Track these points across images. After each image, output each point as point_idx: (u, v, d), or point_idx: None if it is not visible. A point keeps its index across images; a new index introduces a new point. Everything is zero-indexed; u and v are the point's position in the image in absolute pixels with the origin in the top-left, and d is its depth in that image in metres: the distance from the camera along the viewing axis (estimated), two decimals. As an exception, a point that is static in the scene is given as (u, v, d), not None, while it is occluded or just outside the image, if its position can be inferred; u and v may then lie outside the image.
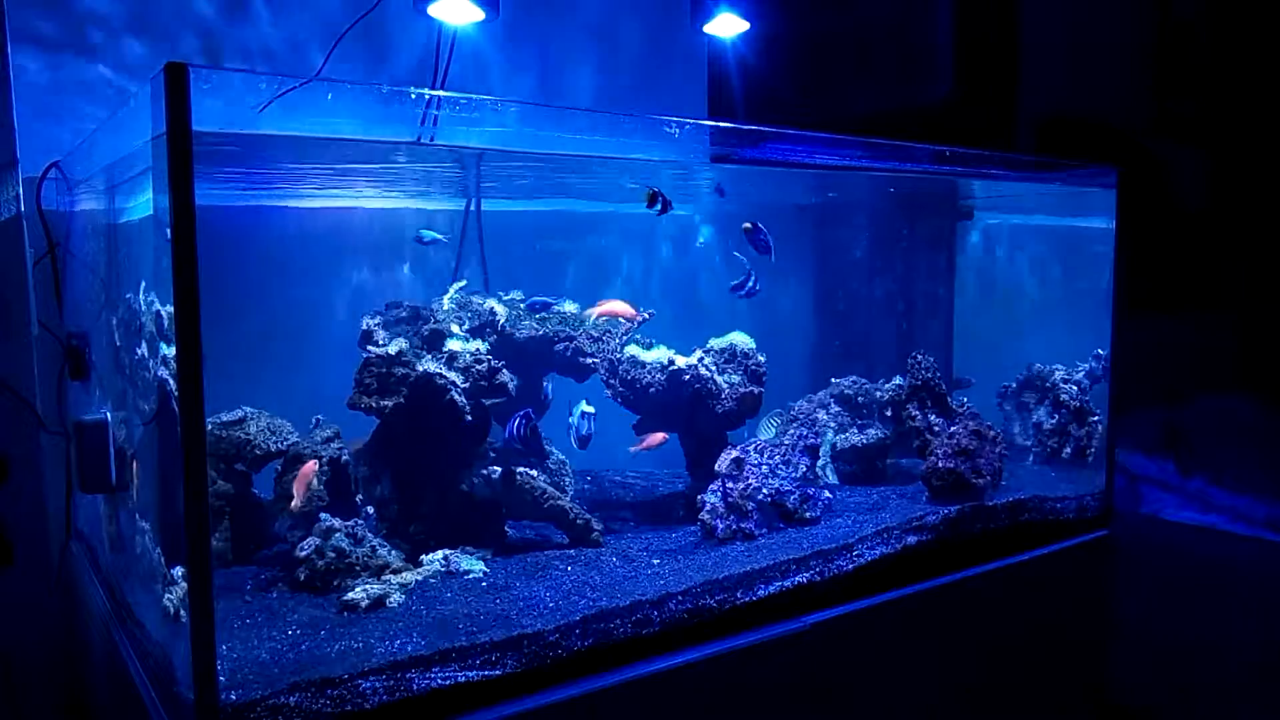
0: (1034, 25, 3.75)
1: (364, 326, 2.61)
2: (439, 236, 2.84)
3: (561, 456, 2.92)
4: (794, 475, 2.56)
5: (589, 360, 2.76)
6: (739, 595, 2.08)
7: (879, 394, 3.20)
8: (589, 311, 2.73)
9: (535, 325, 2.76)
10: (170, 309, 1.48)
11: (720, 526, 2.36)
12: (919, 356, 3.16)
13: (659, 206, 2.51)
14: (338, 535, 2.12)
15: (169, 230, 1.41)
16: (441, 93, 2.15)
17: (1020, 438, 3.45)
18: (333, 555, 2.09)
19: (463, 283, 2.77)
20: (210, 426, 2.31)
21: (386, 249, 2.96)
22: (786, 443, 2.68)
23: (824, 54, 4.01)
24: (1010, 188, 3.43)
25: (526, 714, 1.72)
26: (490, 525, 2.40)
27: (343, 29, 2.83)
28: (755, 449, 2.57)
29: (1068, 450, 3.27)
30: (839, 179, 3.16)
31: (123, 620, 1.98)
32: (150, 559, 1.76)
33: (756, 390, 2.72)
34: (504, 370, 2.46)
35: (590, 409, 2.55)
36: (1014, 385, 3.53)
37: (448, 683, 1.69)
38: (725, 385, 2.70)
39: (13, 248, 2.46)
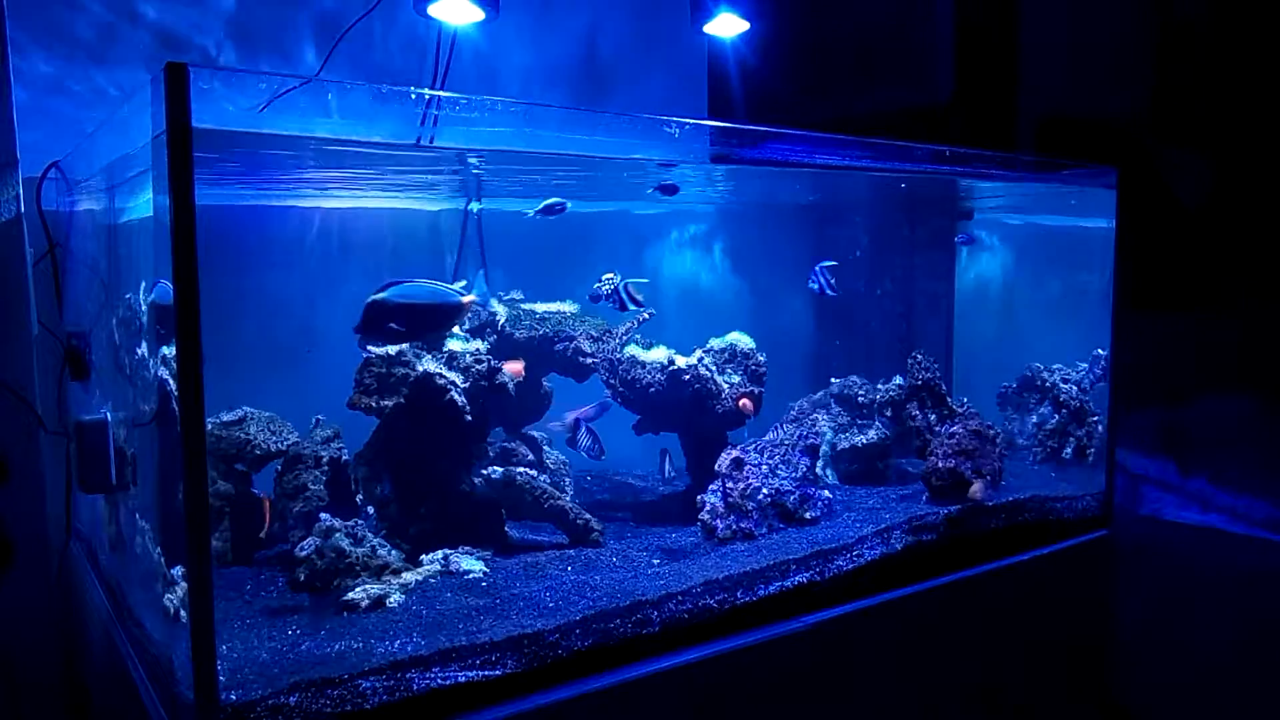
0: (1034, 25, 3.74)
1: (364, 326, 2.61)
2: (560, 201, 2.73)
3: (562, 457, 2.92)
4: (794, 475, 2.56)
5: (589, 360, 2.76)
6: (739, 595, 2.08)
7: (879, 394, 3.20)
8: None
9: (535, 325, 2.76)
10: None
11: (720, 526, 2.36)
12: (919, 356, 3.16)
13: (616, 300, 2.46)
14: (338, 535, 2.12)
15: (168, 232, 1.41)
16: (441, 93, 2.15)
17: (1020, 438, 3.45)
18: (333, 555, 2.09)
19: (463, 283, 2.77)
20: (210, 426, 2.31)
21: (386, 249, 2.96)
22: (786, 443, 2.68)
23: (824, 54, 4.00)
24: (1010, 188, 3.43)
25: (526, 714, 1.72)
26: (490, 525, 2.40)
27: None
28: (755, 449, 2.57)
29: (1068, 450, 3.27)
30: (839, 179, 3.16)
31: (123, 620, 1.98)
32: (150, 559, 1.76)
33: (756, 390, 2.72)
34: (504, 370, 2.46)
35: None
36: (1014, 385, 3.53)
37: (448, 683, 1.69)
38: (725, 385, 2.70)
39: (13, 248, 2.46)
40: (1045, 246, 3.70)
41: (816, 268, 2.65)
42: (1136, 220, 2.93)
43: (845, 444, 3.05)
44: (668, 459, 2.64)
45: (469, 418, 2.35)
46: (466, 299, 1.86)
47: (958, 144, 2.74)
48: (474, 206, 2.85)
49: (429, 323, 1.84)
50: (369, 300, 1.95)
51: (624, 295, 2.37)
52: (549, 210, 2.66)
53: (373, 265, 2.92)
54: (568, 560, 2.25)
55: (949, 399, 3.14)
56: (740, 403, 2.67)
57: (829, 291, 2.68)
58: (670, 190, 2.99)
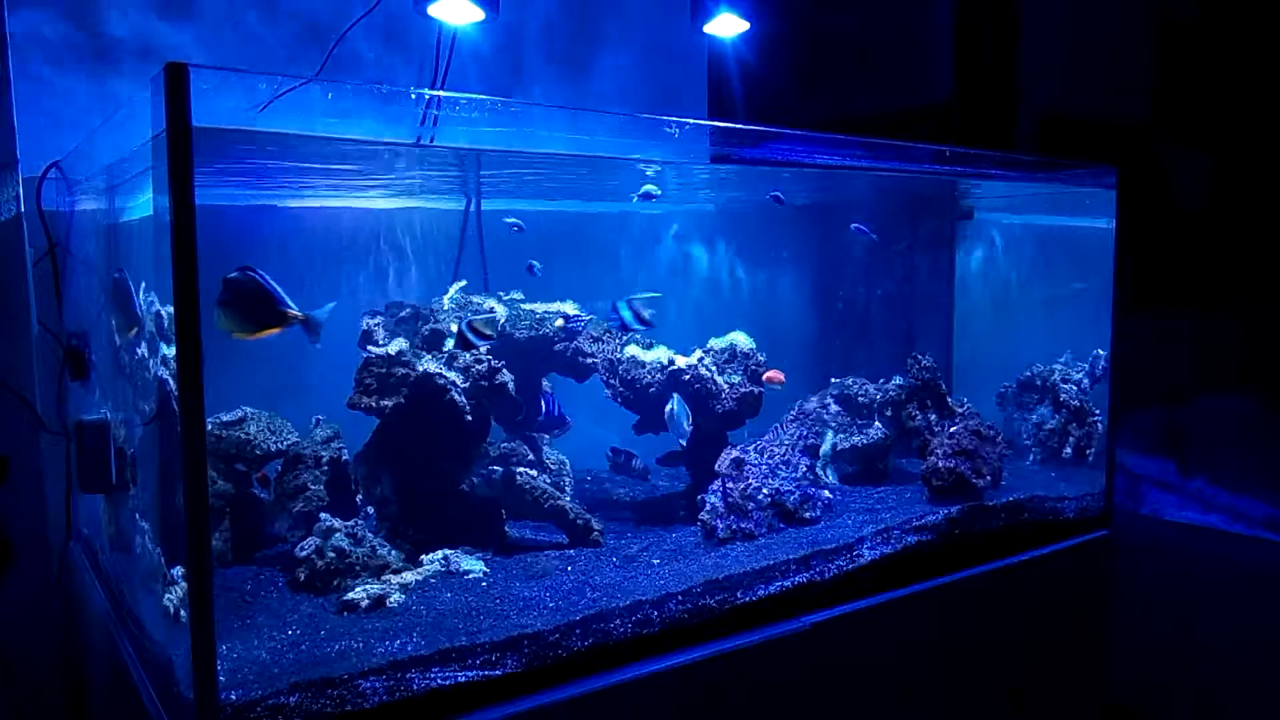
0: (1034, 25, 3.74)
1: (364, 326, 2.61)
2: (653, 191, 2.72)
3: (562, 457, 2.92)
4: (794, 475, 2.56)
5: (589, 360, 2.76)
6: (739, 595, 2.08)
7: (879, 394, 3.20)
8: None
9: (535, 325, 2.76)
10: (170, 309, 1.48)
11: (720, 526, 2.36)
12: (919, 356, 3.16)
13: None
14: (338, 535, 2.12)
15: (169, 232, 1.41)
16: (441, 93, 2.15)
17: (1020, 438, 3.45)
18: (333, 555, 2.09)
19: (463, 283, 2.77)
20: (210, 426, 2.31)
21: (386, 249, 2.96)
22: (787, 443, 2.68)
23: (824, 54, 4.01)
24: (1010, 188, 3.43)
25: (526, 714, 1.72)
26: (490, 525, 2.40)
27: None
28: (755, 449, 2.57)
29: (1068, 450, 3.27)
30: (839, 179, 3.16)
31: (123, 620, 1.98)
32: (150, 559, 1.76)
33: (756, 390, 2.72)
34: (504, 370, 2.46)
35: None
36: (1014, 385, 3.53)
37: (448, 683, 1.69)
38: (725, 385, 2.70)
39: (13, 248, 2.46)
40: (1045, 246, 3.70)
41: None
42: (1136, 220, 2.93)
43: (845, 444, 3.05)
44: (683, 417, 2.60)
45: (469, 418, 2.35)
46: (292, 313, 1.78)
47: (958, 144, 2.74)
48: (511, 221, 2.87)
49: (251, 312, 1.76)
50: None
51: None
52: (646, 196, 2.69)
53: (372, 265, 2.93)
54: (568, 560, 2.25)
55: (949, 399, 3.14)
56: (767, 377, 2.71)
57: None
58: (778, 200, 3.10)
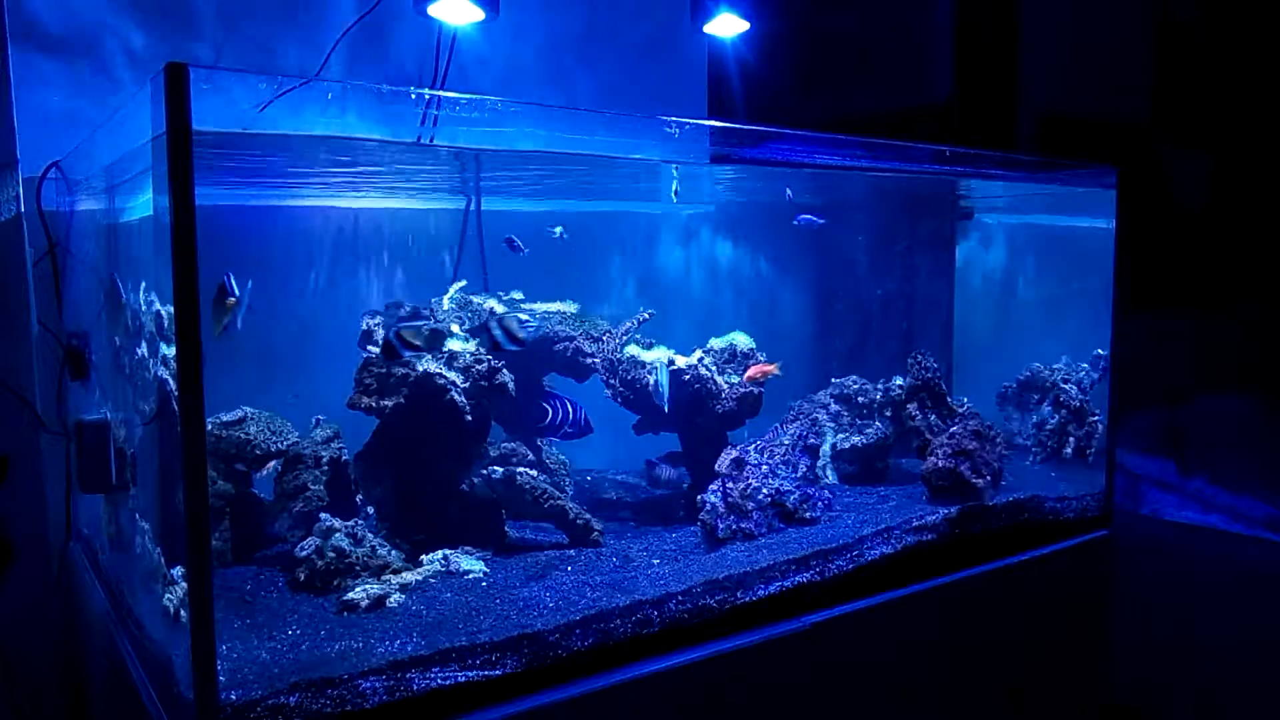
0: (1034, 25, 3.75)
1: (364, 326, 2.61)
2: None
3: (562, 457, 2.92)
4: (794, 475, 2.56)
5: (589, 360, 2.77)
6: (739, 595, 2.08)
7: (879, 394, 3.20)
8: None
9: (535, 325, 2.76)
10: (170, 309, 1.48)
11: (720, 527, 2.36)
12: (919, 356, 3.16)
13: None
14: (338, 535, 2.12)
15: (168, 233, 1.41)
16: (441, 93, 2.15)
17: (1020, 438, 3.45)
18: (333, 555, 2.09)
19: (463, 283, 2.77)
20: (210, 426, 2.31)
21: (386, 249, 2.96)
22: (786, 443, 2.68)
23: (824, 54, 4.01)
24: (1011, 188, 3.43)
25: (526, 714, 1.72)
26: (490, 525, 2.40)
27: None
28: (755, 449, 2.57)
29: (1068, 450, 3.27)
30: (839, 179, 3.16)
31: (123, 620, 1.98)
32: (150, 559, 1.76)
33: (756, 390, 2.72)
34: (504, 370, 2.46)
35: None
36: (1014, 385, 3.53)
37: (448, 683, 1.69)
38: (725, 385, 2.70)
39: (13, 248, 2.46)
40: (1045, 246, 3.70)
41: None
42: (1136, 220, 2.93)
43: (845, 444, 3.05)
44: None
45: (469, 418, 2.35)
46: (229, 300, 1.98)
47: (958, 144, 2.75)
48: (557, 230, 2.87)
49: (215, 300, 1.99)
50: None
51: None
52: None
53: (371, 265, 2.93)
54: (568, 560, 2.25)
55: (949, 399, 3.13)
56: (749, 375, 2.70)
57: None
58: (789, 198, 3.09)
